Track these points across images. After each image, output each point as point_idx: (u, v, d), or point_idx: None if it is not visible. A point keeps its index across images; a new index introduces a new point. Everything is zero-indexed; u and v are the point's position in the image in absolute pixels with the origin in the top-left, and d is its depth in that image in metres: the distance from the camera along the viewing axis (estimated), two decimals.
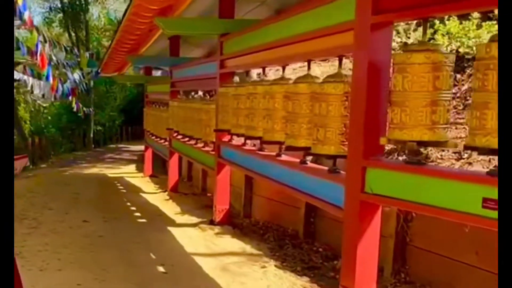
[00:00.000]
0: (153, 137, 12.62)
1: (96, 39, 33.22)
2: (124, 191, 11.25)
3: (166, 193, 10.63)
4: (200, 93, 9.40)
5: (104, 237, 6.95)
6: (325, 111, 4.07)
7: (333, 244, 6.23)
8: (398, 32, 7.48)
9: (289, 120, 4.73)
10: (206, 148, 8.04)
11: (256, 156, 5.74)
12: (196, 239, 6.80)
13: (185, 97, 9.51)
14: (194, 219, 7.99)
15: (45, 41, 13.42)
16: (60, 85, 15.48)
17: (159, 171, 14.17)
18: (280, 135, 5.12)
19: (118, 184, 12.25)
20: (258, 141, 5.84)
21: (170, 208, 8.98)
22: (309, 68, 4.78)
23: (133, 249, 6.38)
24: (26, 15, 10.01)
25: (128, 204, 9.49)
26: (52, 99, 17.91)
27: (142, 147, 24.83)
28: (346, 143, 4.04)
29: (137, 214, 8.56)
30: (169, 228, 7.49)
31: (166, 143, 11.25)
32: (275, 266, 5.62)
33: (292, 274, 5.38)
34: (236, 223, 7.60)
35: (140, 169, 15.49)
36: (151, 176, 13.63)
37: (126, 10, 7.35)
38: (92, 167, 16.27)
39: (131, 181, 12.73)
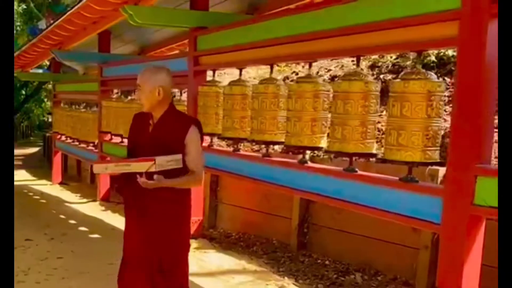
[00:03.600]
0: (70, 141, 11.38)
1: None
2: (44, 201, 10.01)
3: (98, 202, 9.58)
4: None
5: (65, 258, 5.96)
6: (409, 112, 3.60)
7: (335, 256, 5.82)
8: None
9: (335, 122, 4.20)
10: None
11: (274, 164, 5.08)
12: None
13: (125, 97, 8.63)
14: None
15: None
16: None
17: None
18: (309, 139, 4.59)
19: (31, 193, 10.91)
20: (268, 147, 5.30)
21: (117, 221, 8.00)
22: (358, 64, 4.31)
23: (113, 272, 5.45)
24: None
25: (63, 217, 8.39)
26: None
27: (23, 151, 23.01)
28: (433, 148, 3.62)
29: (84, 228, 7.54)
30: None
31: (92, 147, 10.15)
32: (294, 284, 5.05)
33: None
34: (207, 235, 6.91)
35: (38, 175, 14.07)
36: (61, 184, 12.37)
37: None
38: None
39: (42, 190, 11.42)
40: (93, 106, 11.29)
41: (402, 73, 3.95)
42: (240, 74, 5.77)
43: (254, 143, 6.92)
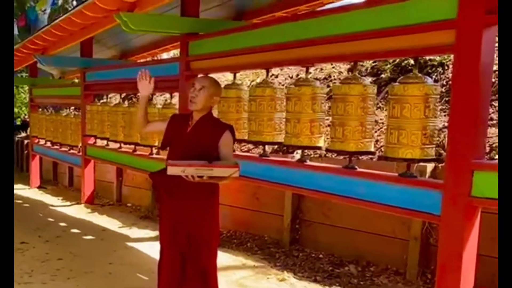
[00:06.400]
0: (49, 145, 11.42)
1: None
2: (28, 205, 10.05)
3: (82, 205, 9.68)
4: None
5: (65, 260, 6.11)
6: (408, 113, 3.92)
7: (327, 250, 6.11)
8: None
9: (335, 123, 4.50)
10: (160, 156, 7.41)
11: (273, 164, 5.34)
12: None
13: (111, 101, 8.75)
14: (150, 233, 7.36)
15: None
16: None
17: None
18: (308, 140, 4.88)
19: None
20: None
21: (107, 222, 8.20)
22: (355, 69, 4.63)
23: (114, 271, 5.68)
24: None
25: (52, 220, 8.47)
26: None
27: None
28: (430, 146, 3.96)
29: (76, 230, 7.67)
30: (130, 244, 6.83)
31: (74, 151, 10.26)
32: (294, 278, 5.34)
33: (320, 286, 5.15)
34: None
35: None
36: (39, 188, 12.37)
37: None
38: None
39: (22, 194, 11.40)
40: (63, 109, 11.37)
41: (400, 77, 4.24)
42: (234, 78, 6.03)
43: (244, 145, 7.20)
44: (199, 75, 6.63)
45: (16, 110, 23.92)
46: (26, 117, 22.34)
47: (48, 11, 13.09)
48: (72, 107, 10.80)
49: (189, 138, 3.81)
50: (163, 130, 4.09)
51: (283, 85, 8.12)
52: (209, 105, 3.86)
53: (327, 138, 5.20)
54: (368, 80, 7.33)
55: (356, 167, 4.55)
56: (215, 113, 5.96)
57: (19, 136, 18.54)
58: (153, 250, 6.27)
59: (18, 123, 25.58)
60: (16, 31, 13.98)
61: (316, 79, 8.15)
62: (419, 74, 4.06)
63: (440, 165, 5.03)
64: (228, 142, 3.79)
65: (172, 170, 3.42)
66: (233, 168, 3.48)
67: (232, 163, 3.59)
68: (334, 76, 8.11)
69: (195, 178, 3.42)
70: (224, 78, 8.70)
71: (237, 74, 9.48)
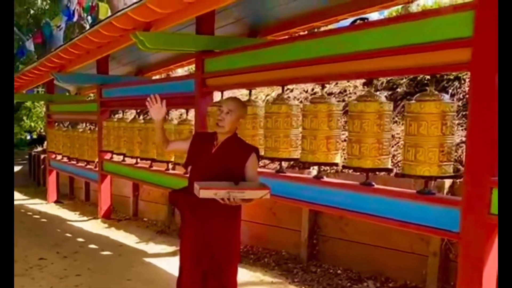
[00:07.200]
0: (66, 160, 11.56)
1: None
2: (45, 220, 10.12)
3: (99, 220, 9.74)
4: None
5: (83, 276, 6.15)
6: (425, 130, 3.94)
7: (345, 265, 6.10)
8: None
9: (352, 140, 4.52)
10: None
11: (290, 180, 5.37)
12: None
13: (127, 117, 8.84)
14: (167, 248, 7.39)
15: None
16: None
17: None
18: (324, 156, 4.91)
19: (29, 213, 10.96)
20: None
21: (124, 237, 8.24)
22: (370, 85, 4.64)
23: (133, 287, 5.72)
24: None
25: (70, 235, 8.53)
26: None
27: None
28: (447, 163, 3.97)
29: (93, 246, 7.71)
30: (147, 259, 6.85)
31: (90, 166, 10.36)
32: None
33: None
34: None
35: (29, 194, 14.00)
36: (56, 202, 12.46)
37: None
38: None
39: (39, 209, 11.49)
40: (79, 125, 11.50)
41: (417, 94, 4.25)
42: (250, 95, 6.07)
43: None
44: (214, 92, 6.73)
45: (32, 124, 24.24)
46: (41, 131, 22.60)
47: (64, 27, 13.26)
48: (88, 123, 10.91)
49: (214, 158, 3.85)
50: (185, 149, 4.12)
51: (298, 99, 8.15)
52: (235, 127, 3.91)
53: (344, 154, 5.22)
54: (383, 94, 7.40)
55: (373, 183, 4.55)
56: None
57: (36, 150, 18.72)
58: (170, 266, 6.31)
59: (35, 136, 25.91)
60: (32, 48, 14.20)
61: (331, 93, 8.20)
62: (436, 92, 4.06)
63: (458, 180, 5.01)
64: (254, 164, 3.85)
65: (204, 194, 3.43)
66: (264, 190, 3.51)
67: (258, 184, 3.64)
68: (349, 90, 8.10)
69: (231, 200, 3.44)
70: (239, 92, 8.74)
71: None
